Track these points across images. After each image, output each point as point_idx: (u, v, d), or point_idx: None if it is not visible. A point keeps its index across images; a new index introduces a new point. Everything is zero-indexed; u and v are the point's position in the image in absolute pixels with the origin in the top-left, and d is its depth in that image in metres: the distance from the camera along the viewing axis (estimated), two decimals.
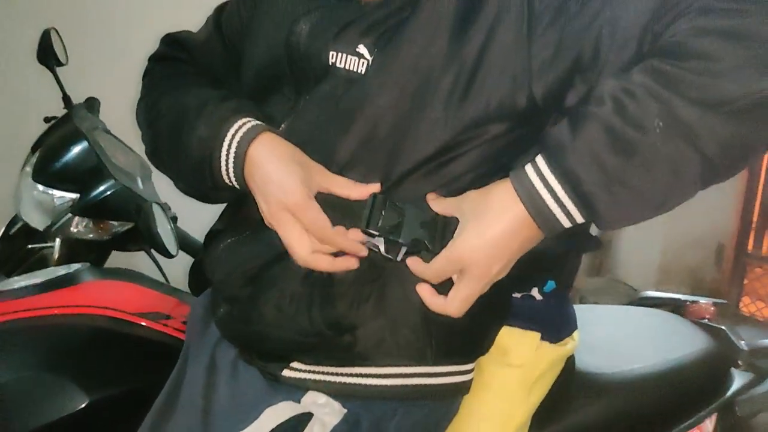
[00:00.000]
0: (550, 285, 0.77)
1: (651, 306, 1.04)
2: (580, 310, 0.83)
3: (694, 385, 0.86)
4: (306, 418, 0.64)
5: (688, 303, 1.01)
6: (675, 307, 1.01)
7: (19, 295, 0.77)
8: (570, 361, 0.82)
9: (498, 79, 0.59)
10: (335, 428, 0.64)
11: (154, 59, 0.81)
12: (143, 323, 0.78)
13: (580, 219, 0.55)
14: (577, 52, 0.58)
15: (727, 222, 2.81)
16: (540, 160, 0.56)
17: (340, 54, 0.62)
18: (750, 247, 2.79)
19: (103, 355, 0.76)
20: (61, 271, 0.83)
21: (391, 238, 0.60)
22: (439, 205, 0.61)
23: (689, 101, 0.51)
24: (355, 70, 0.62)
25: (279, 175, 0.59)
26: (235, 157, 0.62)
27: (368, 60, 0.61)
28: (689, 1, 0.53)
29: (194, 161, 0.64)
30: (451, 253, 0.58)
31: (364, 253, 0.61)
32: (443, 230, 0.60)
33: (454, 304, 0.60)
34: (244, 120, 0.63)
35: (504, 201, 0.56)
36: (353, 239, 0.60)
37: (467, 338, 0.68)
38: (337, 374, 0.65)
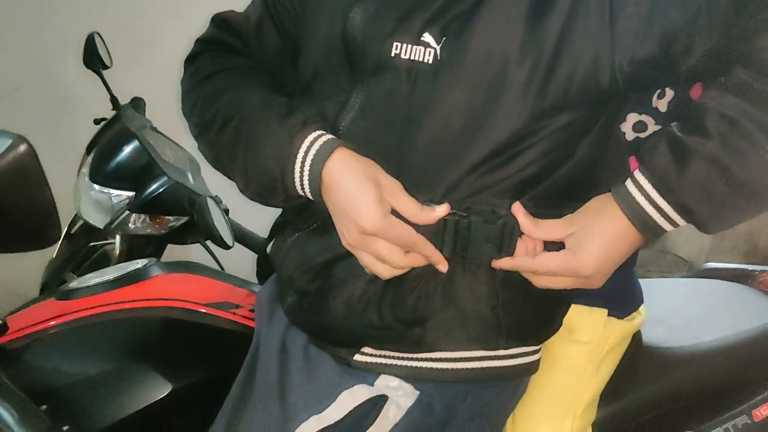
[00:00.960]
0: None
1: (716, 278, 1.01)
2: (646, 285, 0.81)
3: None
4: (381, 400, 0.65)
5: (756, 273, 0.98)
6: (742, 278, 0.98)
7: (94, 291, 0.80)
8: (637, 336, 0.81)
9: (578, 68, 0.57)
10: (410, 410, 0.65)
11: (202, 41, 0.76)
12: (214, 313, 0.81)
13: (683, 224, 0.60)
14: (664, 41, 0.56)
15: None
16: (646, 183, 0.58)
17: (404, 45, 0.59)
18: None
19: (179, 345, 0.78)
20: (131, 267, 0.86)
21: (460, 256, 0.62)
22: (543, 230, 0.61)
23: None
24: (420, 59, 0.59)
25: (353, 198, 0.58)
26: (310, 178, 0.61)
27: (435, 49, 0.59)
28: None
29: (266, 177, 0.63)
30: (578, 261, 0.60)
31: (446, 268, 0.62)
32: (509, 241, 0.62)
33: (545, 266, 0.62)
34: (315, 134, 0.61)
35: (610, 215, 0.61)
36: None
37: (537, 323, 0.68)
38: (408, 359, 0.66)
